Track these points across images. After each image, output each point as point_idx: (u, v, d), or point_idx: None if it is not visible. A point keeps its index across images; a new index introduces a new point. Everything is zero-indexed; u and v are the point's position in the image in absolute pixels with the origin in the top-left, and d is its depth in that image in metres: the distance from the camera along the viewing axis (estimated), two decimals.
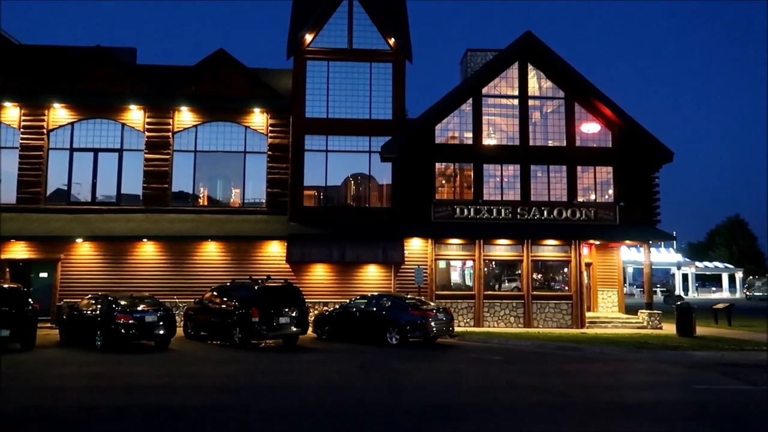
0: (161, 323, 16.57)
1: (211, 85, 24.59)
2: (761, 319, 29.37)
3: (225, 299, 18.30)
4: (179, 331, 19.22)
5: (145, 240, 22.98)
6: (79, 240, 22.74)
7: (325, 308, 21.47)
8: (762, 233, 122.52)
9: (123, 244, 22.99)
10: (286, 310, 17.30)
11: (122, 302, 16.80)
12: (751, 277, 69.38)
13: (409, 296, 20.24)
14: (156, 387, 11.05)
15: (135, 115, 24.33)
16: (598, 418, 9.01)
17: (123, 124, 24.31)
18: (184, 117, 24.48)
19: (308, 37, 24.54)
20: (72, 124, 24.23)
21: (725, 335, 21.31)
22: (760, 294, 62.88)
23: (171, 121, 24.34)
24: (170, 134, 24.31)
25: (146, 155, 24.13)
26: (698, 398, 10.74)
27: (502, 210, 24.22)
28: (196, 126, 24.53)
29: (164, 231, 22.96)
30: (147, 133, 24.22)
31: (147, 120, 24.27)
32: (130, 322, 16.18)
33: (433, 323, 17.88)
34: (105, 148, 24.26)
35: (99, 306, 16.90)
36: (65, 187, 24.16)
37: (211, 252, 23.41)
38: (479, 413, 9.18)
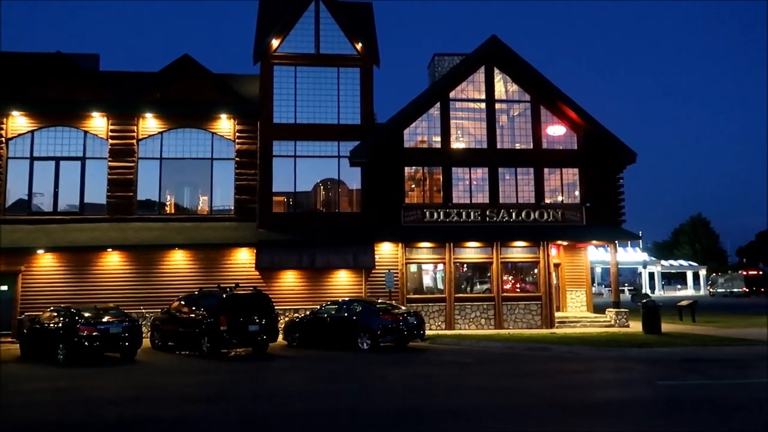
0: (126, 334, 16.20)
1: (177, 91, 24.23)
2: (723, 315, 30.21)
3: (193, 308, 18.02)
4: (146, 342, 18.86)
5: (109, 250, 22.49)
6: (40, 251, 22.13)
7: (296, 315, 21.31)
8: (724, 231, 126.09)
9: (87, 254, 22.46)
10: (255, 317, 17.11)
11: (86, 314, 16.39)
12: (714, 274, 71.29)
13: (380, 301, 20.22)
14: (119, 400, 10.78)
15: (98, 123, 23.83)
16: (564, 417, 9.11)
17: (85, 132, 23.78)
18: (149, 124, 24.07)
19: (275, 43, 24.40)
20: (32, 132, 23.59)
21: (689, 331, 21.82)
22: (723, 290, 64.69)
23: (135, 128, 23.91)
24: (135, 141, 23.87)
25: (110, 163, 23.63)
26: (661, 394, 10.96)
27: (472, 213, 24.41)
28: (161, 133, 24.13)
29: (130, 240, 22.52)
30: (111, 141, 23.73)
31: (110, 127, 23.79)
32: (94, 334, 15.78)
33: (404, 327, 17.88)
34: (67, 156, 23.68)
35: (61, 318, 16.45)
36: (26, 197, 23.50)
37: (178, 261, 23.03)
38: (449, 416, 9.19)
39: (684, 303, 27.76)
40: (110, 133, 23.76)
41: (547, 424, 8.62)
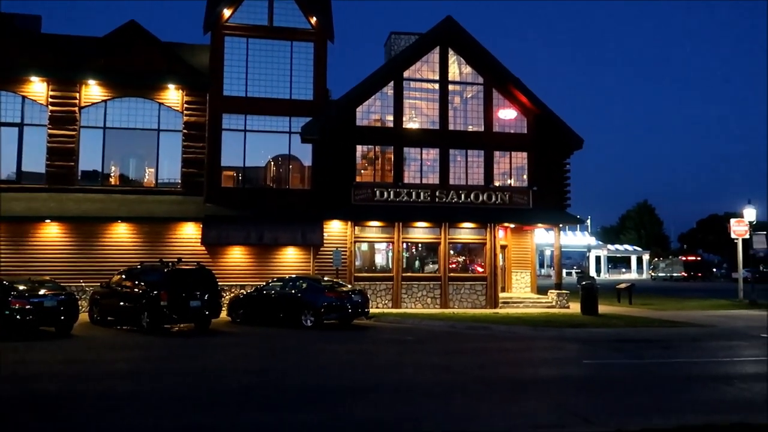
0: (62, 308, 15.79)
1: (123, 58, 23.36)
2: (660, 298, 31.59)
3: (134, 282, 17.67)
4: (84, 316, 18.46)
5: (48, 221, 21.75)
6: None
7: (241, 291, 21.18)
8: (667, 218, 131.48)
9: (24, 225, 21.66)
10: (198, 293, 16.91)
11: (19, 287, 15.86)
12: (656, 259, 74.19)
13: (326, 278, 20.27)
14: (48, 375, 10.55)
15: (37, 88, 22.81)
16: (491, 394, 9.41)
17: (24, 97, 22.75)
18: (92, 91, 23.19)
19: (226, 12, 23.75)
20: None
21: (625, 313, 22.71)
22: (663, 275, 67.49)
23: (78, 95, 23.01)
24: (77, 109, 22.98)
25: (50, 131, 22.71)
26: (586, 372, 11.46)
27: (422, 193, 24.59)
28: (105, 101, 23.29)
29: (70, 211, 21.81)
30: (51, 107, 22.78)
31: (51, 93, 22.82)
32: (27, 307, 15.31)
33: (348, 305, 18.00)
34: (3, 122, 22.62)
35: None
36: None
37: (121, 234, 22.47)
38: (379, 393, 9.37)
39: (622, 286, 28.84)
40: (50, 99, 22.80)
41: (475, 400, 8.88)
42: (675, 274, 65.26)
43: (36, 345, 14.13)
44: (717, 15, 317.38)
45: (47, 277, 18.29)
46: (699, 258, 70.27)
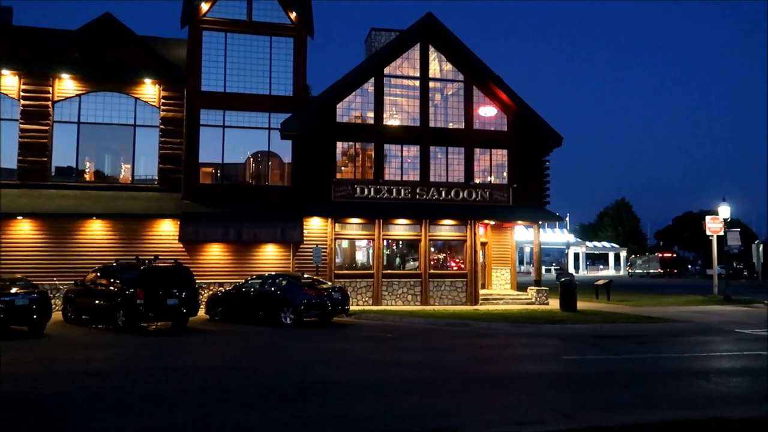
0: (35, 307, 15.41)
1: (97, 51, 22.91)
2: (637, 294, 31.99)
3: (110, 280, 17.33)
4: (58, 315, 18.10)
5: (20, 218, 21.23)
6: None
7: (219, 289, 20.92)
8: (644, 215, 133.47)
9: None
10: (175, 291, 16.65)
11: None
12: (633, 255, 75.19)
13: (305, 276, 20.12)
14: (18, 375, 10.24)
15: (8, 81, 22.26)
16: (472, 390, 9.38)
17: None
18: (66, 85, 22.70)
19: (204, 6, 23.41)
20: None
21: (603, 309, 22.92)
22: (640, 271, 68.47)
23: (51, 89, 22.50)
24: (50, 103, 22.48)
25: (22, 125, 22.19)
26: (564, 368, 11.50)
27: (402, 190, 24.54)
28: (79, 95, 22.82)
29: (43, 208, 21.33)
30: (23, 102, 22.26)
31: (23, 87, 22.30)
32: None
33: (328, 302, 17.88)
34: None
35: None
36: None
37: (96, 231, 22.03)
38: (359, 390, 9.27)
39: (600, 282, 29.12)
40: (22, 93, 22.28)
41: (452, 397, 8.84)
42: (651, 271, 66.20)
43: (7, 345, 13.72)
44: (698, 14, 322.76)
45: (19, 275, 17.88)
46: (675, 255, 71.43)
